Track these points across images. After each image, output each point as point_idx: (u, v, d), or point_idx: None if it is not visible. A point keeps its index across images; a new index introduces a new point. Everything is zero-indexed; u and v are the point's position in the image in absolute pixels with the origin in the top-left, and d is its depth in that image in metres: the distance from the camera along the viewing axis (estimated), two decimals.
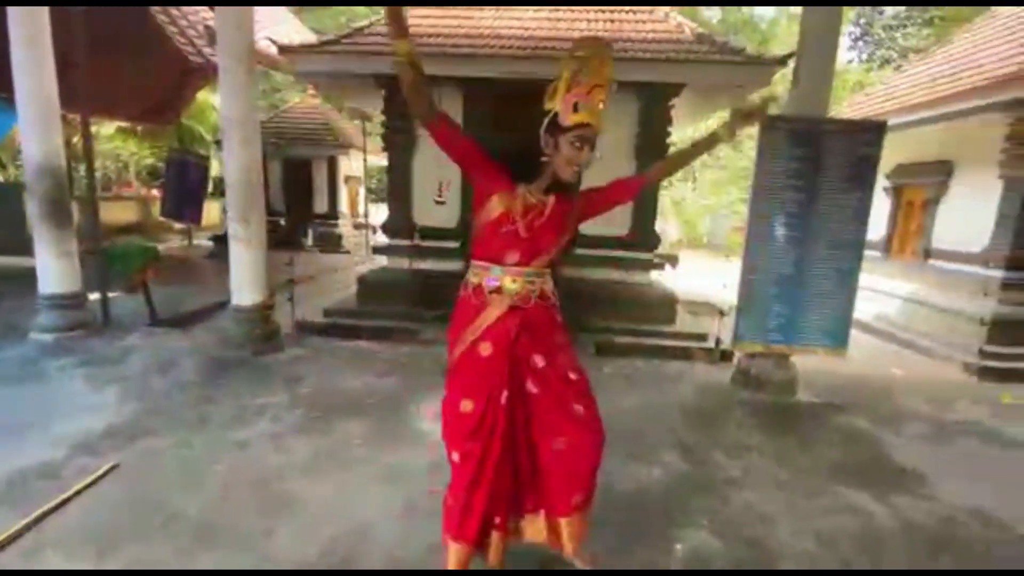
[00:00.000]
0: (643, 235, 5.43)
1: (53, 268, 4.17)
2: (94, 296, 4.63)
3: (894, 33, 18.39)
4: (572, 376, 1.70)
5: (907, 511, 2.41)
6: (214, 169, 12.00)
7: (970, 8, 13.13)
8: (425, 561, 1.92)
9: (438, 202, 5.50)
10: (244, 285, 4.13)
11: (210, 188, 10.97)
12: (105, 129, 12.71)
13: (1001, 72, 4.99)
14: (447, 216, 5.54)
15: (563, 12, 5.40)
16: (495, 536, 1.69)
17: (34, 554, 1.89)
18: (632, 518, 2.23)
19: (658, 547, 2.06)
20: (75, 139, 8.47)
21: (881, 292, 6.80)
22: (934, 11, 16.80)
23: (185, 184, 8.97)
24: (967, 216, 5.84)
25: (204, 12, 5.93)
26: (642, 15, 5.30)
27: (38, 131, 3.98)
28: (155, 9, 5.43)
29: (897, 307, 6.57)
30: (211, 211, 13.38)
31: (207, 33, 5.53)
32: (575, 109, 1.51)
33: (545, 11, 5.40)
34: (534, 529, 1.80)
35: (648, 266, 5.55)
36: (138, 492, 2.28)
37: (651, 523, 2.21)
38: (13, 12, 3.82)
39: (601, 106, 1.54)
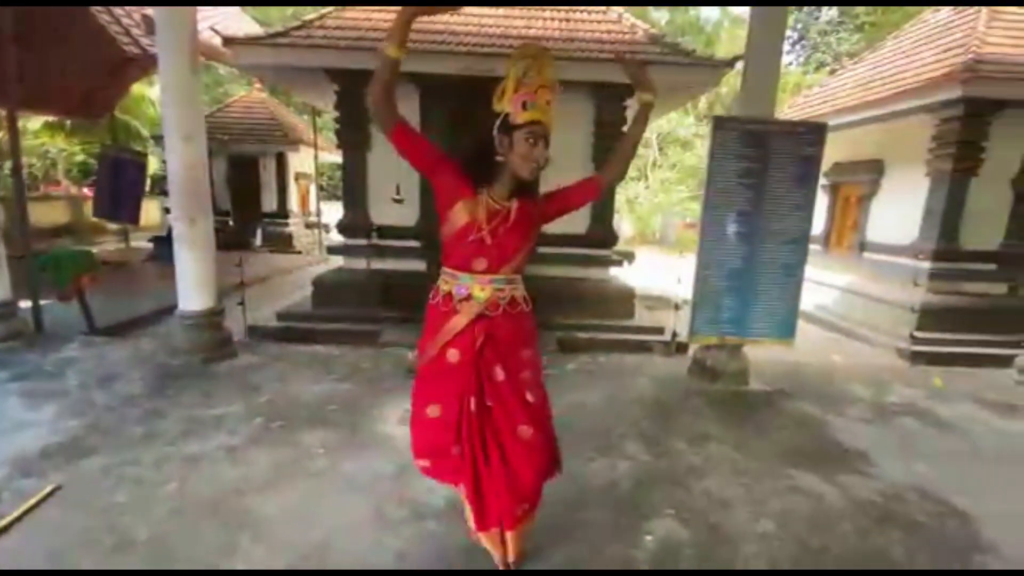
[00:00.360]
0: (602, 233, 5.52)
1: None
2: (25, 304, 4.28)
3: (828, 38, 19.47)
4: (529, 398, 1.68)
5: (854, 489, 2.57)
6: (152, 166, 11.35)
7: (899, 14, 14.08)
8: (394, 567, 1.89)
9: (396, 200, 5.40)
10: (192, 289, 3.92)
11: (148, 186, 10.36)
12: (32, 124, 11.76)
13: (925, 76, 5.37)
14: (406, 214, 5.45)
15: (519, 10, 5.40)
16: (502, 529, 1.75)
17: None
18: (603, 513, 2.27)
19: (630, 541, 2.11)
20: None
21: (821, 284, 7.20)
22: (865, 17, 17.90)
23: (120, 182, 8.40)
24: (898, 211, 6.26)
25: None
26: (596, 15, 5.37)
27: None
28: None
29: (836, 298, 6.98)
30: (149, 211, 12.63)
31: (144, 22, 5.20)
32: (524, 107, 1.54)
33: (501, 10, 5.39)
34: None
35: (607, 263, 5.66)
36: (83, 515, 2.13)
37: (622, 517, 2.26)
38: None
39: (548, 105, 1.57)
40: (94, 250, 6.69)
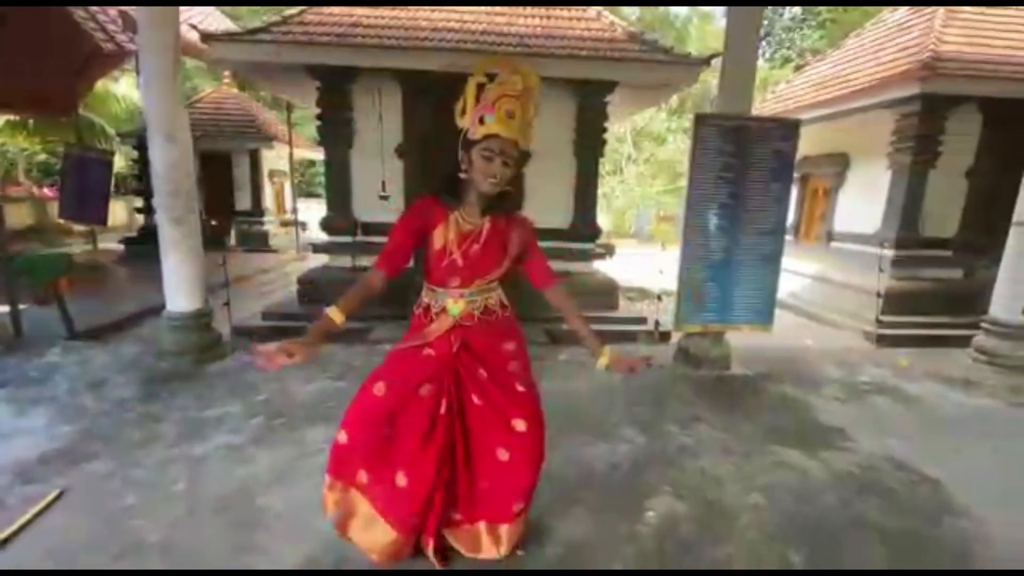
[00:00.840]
0: (585, 227, 5.64)
1: None
2: (2, 309, 4.15)
3: (792, 34, 20.05)
4: (519, 388, 1.75)
5: (834, 463, 2.75)
6: (118, 164, 10.95)
7: (858, 12, 14.61)
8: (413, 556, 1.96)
9: (382, 197, 5.39)
10: (179, 290, 3.87)
11: (114, 186, 10.02)
12: None
13: (885, 74, 5.65)
14: (392, 211, 5.45)
15: (501, 8, 5.45)
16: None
17: None
18: (605, 494, 2.39)
19: (633, 517, 2.23)
20: None
21: (793, 272, 7.51)
22: (826, 14, 18.51)
23: (86, 182, 8.12)
24: (863, 202, 6.58)
25: None
26: (576, 13, 5.47)
27: None
28: None
29: (806, 285, 7.29)
30: (116, 211, 12.23)
31: (122, 18, 5.05)
32: (481, 122, 1.58)
33: (484, 7, 5.43)
34: (468, 538, 1.86)
35: (591, 256, 5.78)
36: (91, 519, 2.13)
37: (623, 495, 2.38)
38: None
39: (511, 117, 1.58)
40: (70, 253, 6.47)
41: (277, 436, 2.85)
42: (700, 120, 3.84)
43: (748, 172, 3.90)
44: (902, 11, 6.80)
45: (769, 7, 19.99)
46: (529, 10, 5.43)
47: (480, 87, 1.60)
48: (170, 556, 1.94)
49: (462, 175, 1.64)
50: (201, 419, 3.01)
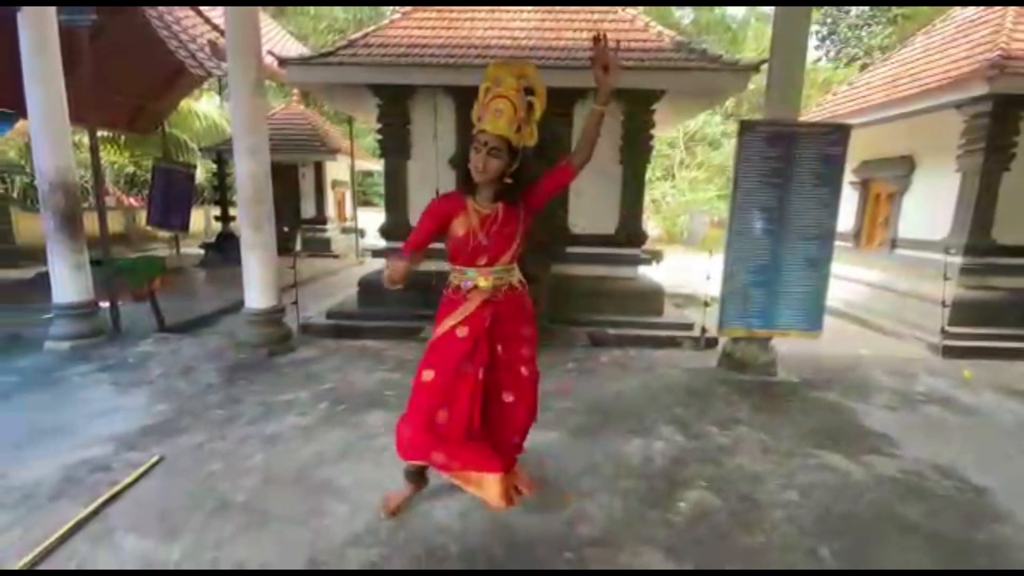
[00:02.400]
0: (630, 232, 5.73)
1: (67, 278, 4.29)
2: (104, 305, 4.74)
3: (859, 32, 19.14)
4: (523, 371, 2.08)
5: (877, 467, 2.74)
6: (198, 176, 12.00)
7: (931, 7, 13.81)
8: (458, 524, 2.17)
9: None
10: (257, 289, 4.31)
11: (195, 196, 11.00)
12: (87, 139, 12.58)
13: (953, 73, 5.42)
14: None
15: (549, 21, 5.67)
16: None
17: (103, 538, 2.07)
18: (640, 485, 2.51)
19: (665, 506, 2.34)
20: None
21: (852, 280, 7.24)
22: (896, 10, 17.56)
23: (171, 192, 9.04)
24: (929, 207, 6.28)
25: (205, 27, 6.06)
26: (624, 24, 5.60)
27: (50, 146, 4.09)
28: (156, 23, 5.54)
29: (866, 294, 7.01)
30: (196, 219, 13.36)
31: (211, 47, 5.67)
32: (478, 121, 1.85)
33: (533, 20, 5.67)
34: (487, 486, 1.99)
35: (636, 261, 5.85)
36: (186, 482, 2.47)
37: (657, 487, 2.49)
38: (24, 26, 3.90)
39: (499, 113, 1.80)
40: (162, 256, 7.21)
41: (340, 419, 3.15)
42: (745, 127, 3.88)
43: (795, 177, 3.89)
44: (972, 8, 6.47)
45: (830, 7, 19.22)
46: (577, 23, 5.61)
47: (485, 91, 1.84)
48: (251, 514, 2.23)
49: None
50: (274, 402, 3.37)
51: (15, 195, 12.46)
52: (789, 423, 3.29)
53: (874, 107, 6.66)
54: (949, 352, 5.17)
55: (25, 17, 3.86)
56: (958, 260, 5.62)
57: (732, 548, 2.09)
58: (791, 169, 3.87)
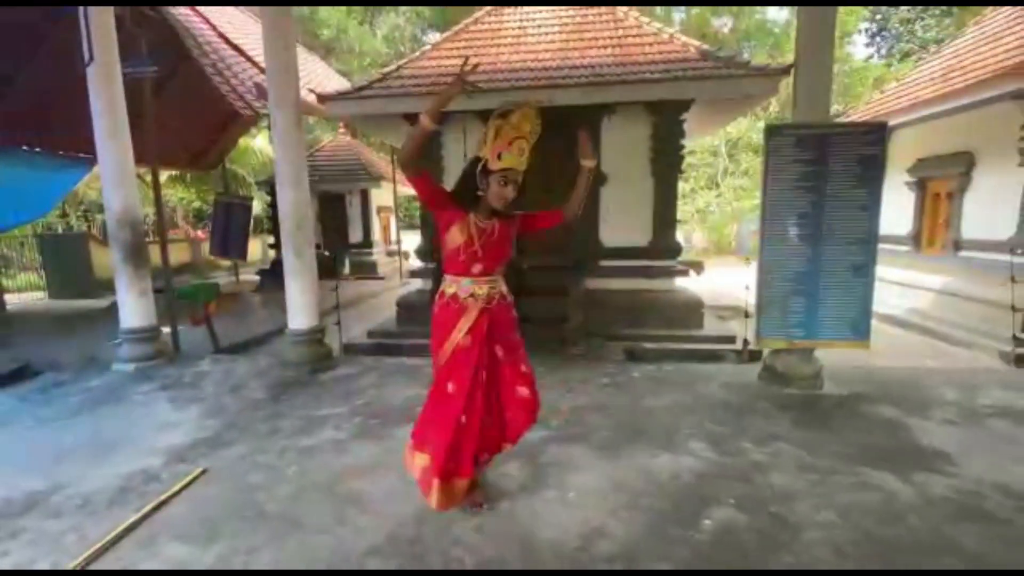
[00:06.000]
0: (664, 244, 5.65)
1: (133, 305, 4.69)
2: (165, 329, 5.13)
3: (912, 26, 18.19)
4: (523, 369, 2.29)
5: (929, 487, 2.54)
6: (255, 208, 12.80)
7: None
8: (474, 537, 2.19)
9: None
10: (299, 312, 4.55)
11: (252, 226, 11.73)
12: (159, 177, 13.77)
13: (1009, 63, 5.08)
14: None
15: (574, 41, 5.76)
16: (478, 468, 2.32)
17: (150, 543, 2.23)
18: (664, 502, 2.45)
19: (688, 523, 2.27)
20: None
21: (913, 286, 6.79)
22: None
23: (231, 224, 9.68)
24: (993, 205, 5.85)
25: (252, 70, 6.57)
26: (648, 39, 5.61)
27: (118, 187, 4.53)
28: (210, 71, 6.08)
29: (930, 300, 6.55)
30: (254, 248, 14.24)
31: (256, 88, 6.13)
32: (499, 157, 2.01)
33: (557, 42, 5.78)
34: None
35: (672, 273, 5.75)
36: (226, 491, 2.63)
37: (682, 505, 2.42)
38: (93, 81, 4.36)
39: (522, 153, 2.03)
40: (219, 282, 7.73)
41: (373, 433, 3.26)
42: (772, 131, 3.78)
43: (830, 179, 3.74)
44: None
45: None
46: (601, 40, 5.68)
47: (498, 129, 2.01)
48: (283, 522, 2.35)
49: (479, 193, 2.08)
50: (313, 417, 3.53)
51: (95, 232, 13.72)
52: (833, 439, 3.11)
53: (926, 102, 6.32)
54: (1023, 361, 4.74)
55: (94, 71, 4.32)
56: None
57: (754, 568, 2.00)
58: (825, 172, 3.72)
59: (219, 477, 2.78)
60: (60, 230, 15.24)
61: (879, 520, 2.29)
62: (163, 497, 2.55)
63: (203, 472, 2.82)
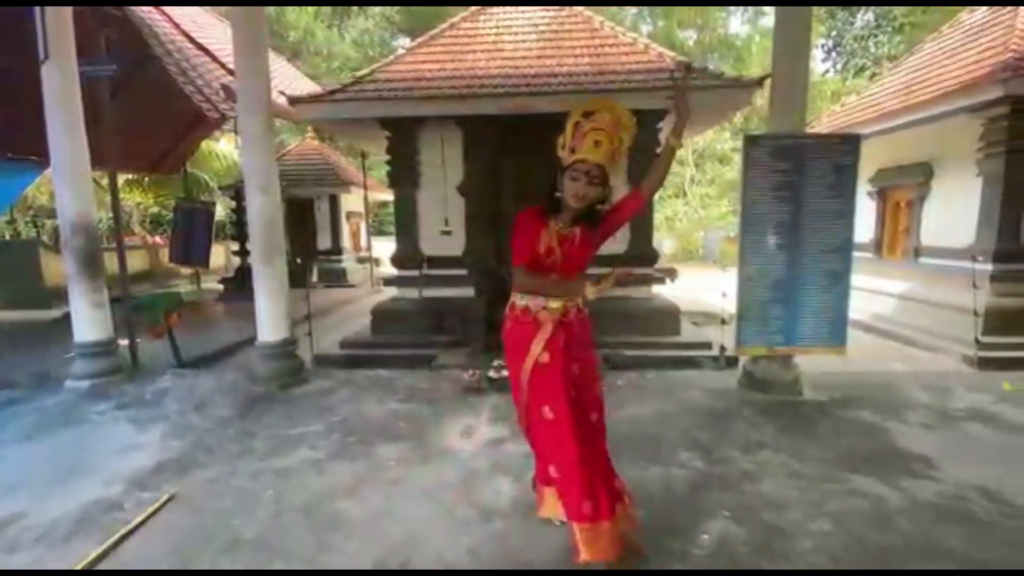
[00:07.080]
0: (642, 251, 5.66)
1: (87, 317, 4.38)
2: (123, 342, 4.82)
3: (866, 42, 19.08)
4: (597, 392, 2.11)
5: (915, 492, 2.58)
6: (218, 214, 12.34)
7: (939, 13, 13.74)
8: (467, 562, 2.09)
9: (444, 232, 5.74)
10: (269, 322, 4.34)
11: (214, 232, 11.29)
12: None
13: (966, 77, 5.32)
14: (454, 245, 5.78)
15: (550, 49, 5.75)
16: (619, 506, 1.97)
17: None
18: (660, 515, 2.39)
19: (687, 538, 2.22)
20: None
21: (876, 292, 7.03)
22: (903, 17, 17.49)
23: (192, 230, 9.28)
24: (951, 213, 6.11)
25: (219, 71, 6.31)
26: (624, 48, 5.65)
27: (72, 191, 4.24)
28: (174, 71, 5.80)
29: (893, 305, 6.78)
30: (215, 255, 13.69)
31: (223, 90, 5.88)
32: (572, 152, 1.88)
33: (534, 49, 5.76)
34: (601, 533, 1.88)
35: (649, 280, 5.77)
36: (198, 518, 2.44)
37: (678, 518, 2.38)
38: (47, 79, 4.08)
39: (598, 145, 1.85)
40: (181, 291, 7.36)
41: (352, 452, 3.10)
42: (750, 141, 3.84)
43: (806, 189, 3.82)
44: (981, 11, 6.40)
45: (835, 16, 19.24)
46: (578, 49, 5.69)
47: (576, 125, 1.87)
48: (262, 551, 2.19)
49: (557, 195, 1.93)
50: (287, 436, 3.34)
51: (45, 238, 12.94)
52: (817, 445, 3.14)
53: (887, 115, 6.56)
54: (986, 364, 4.94)
55: (49, 70, 4.05)
56: (988, 267, 5.41)
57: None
58: (801, 181, 3.79)
59: (189, 503, 2.59)
60: (7, 237, 14.33)
61: (871, 526, 2.30)
62: (130, 527, 2.36)
63: (171, 498, 2.62)
